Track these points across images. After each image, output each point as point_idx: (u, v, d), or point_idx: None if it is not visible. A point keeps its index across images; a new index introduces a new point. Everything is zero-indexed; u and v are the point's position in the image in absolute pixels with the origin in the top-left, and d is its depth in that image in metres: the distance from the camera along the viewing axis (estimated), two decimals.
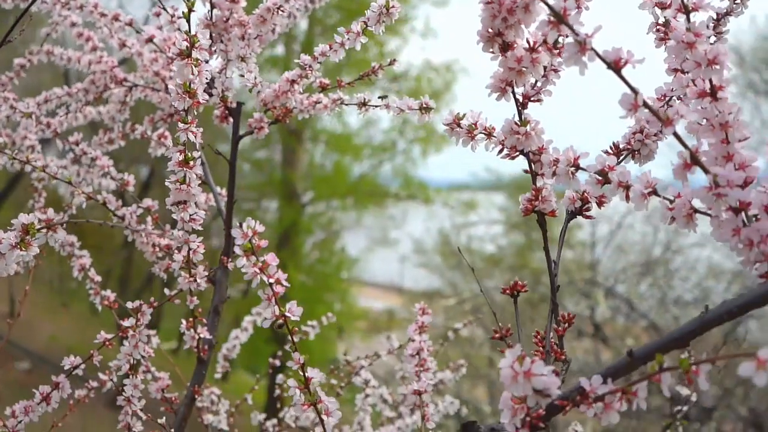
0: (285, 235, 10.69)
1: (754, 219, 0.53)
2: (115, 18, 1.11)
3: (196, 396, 1.01)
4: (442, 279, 10.04)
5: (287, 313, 0.64)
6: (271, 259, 0.64)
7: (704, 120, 0.57)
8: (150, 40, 1.07)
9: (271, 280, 0.63)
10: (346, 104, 0.97)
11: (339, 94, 0.98)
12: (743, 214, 0.52)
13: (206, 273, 0.93)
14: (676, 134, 0.52)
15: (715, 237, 0.53)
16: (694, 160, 0.52)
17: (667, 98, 0.71)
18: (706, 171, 0.52)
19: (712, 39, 0.73)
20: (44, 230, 0.67)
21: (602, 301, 5.66)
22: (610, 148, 0.70)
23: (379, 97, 0.95)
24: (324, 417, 0.66)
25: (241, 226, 0.62)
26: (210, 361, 1.08)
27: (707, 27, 0.73)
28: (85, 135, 1.34)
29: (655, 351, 0.50)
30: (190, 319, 0.97)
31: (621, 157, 0.69)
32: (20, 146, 1.30)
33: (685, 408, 1.10)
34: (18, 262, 1.22)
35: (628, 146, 0.70)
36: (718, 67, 0.54)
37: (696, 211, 0.55)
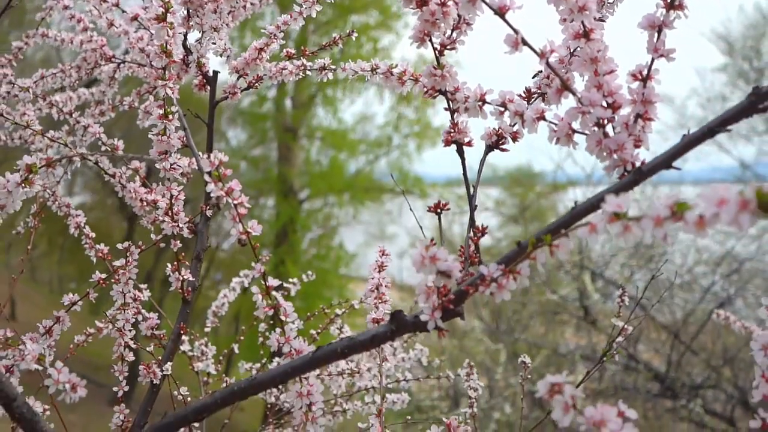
0: (283, 231, 10.81)
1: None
2: (103, 0, 1.24)
3: (182, 332, 1.13)
4: None
5: (249, 230, 0.77)
6: (235, 184, 0.76)
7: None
8: (135, 18, 1.19)
9: (236, 202, 0.76)
10: (309, 70, 1.10)
11: (303, 61, 1.11)
12: (606, 128, 0.65)
13: (188, 219, 1.05)
14: (548, 64, 0.65)
15: (587, 149, 0.66)
16: (564, 86, 0.65)
17: (571, 49, 0.83)
18: (574, 94, 0.65)
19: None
20: (44, 168, 0.79)
21: (590, 283, 5.79)
22: (523, 91, 0.83)
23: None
24: (283, 318, 0.78)
25: (208, 157, 0.74)
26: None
27: None
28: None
29: (534, 237, 0.62)
30: (175, 263, 1.10)
31: (532, 99, 0.82)
32: (21, 122, 1.42)
33: (620, 339, 1.22)
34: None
35: (539, 89, 0.82)
36: (587, 12, 0.66)
37: (574, 131, 0.68)
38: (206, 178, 0.74)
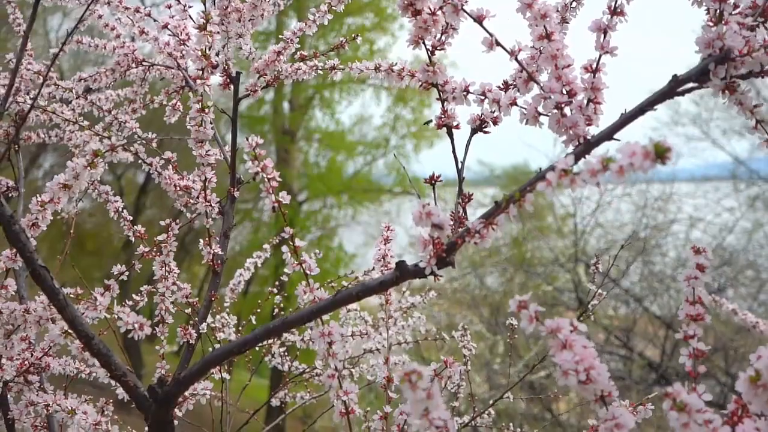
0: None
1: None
2: (137, 10, 1.41)
3: (213, 299, 1.30)
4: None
5: (280, 198, 0.94)
6: (269, 162, 0.93)
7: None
8: (165, 26, 1.36)
9: (269, 177, 0.93)
10: (320, 70, 1.27)
11: (314, 62, 1.28)
12: (564, 110, 0.82)
13: (219, 200, 1.22)
14: (518, 61, 0.82)
15: (549, 127, 0.83)
16: (530, 78, 0.82)
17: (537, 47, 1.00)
18: (538, 84, 0.82)
19: (573, 3, 1.02)
20: (109, 152, 0.96)
21: (584, 275, 5.97)
22: (502, 82, 1.00)
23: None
24: (307, 272, 0.95)
25: (247, 139, 0.91)
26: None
27: None
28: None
29: (506, 195, 0.79)
30: (206, 239, 1.27)
31: (509, 89, 0.99)
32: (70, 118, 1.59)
33: (595, 302, 1.40)
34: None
35: (514, 81, 0.99)
36: (548, 19, 0.84)
37: (539, 113, 0.85)
38: (245, 156, 0.91)
